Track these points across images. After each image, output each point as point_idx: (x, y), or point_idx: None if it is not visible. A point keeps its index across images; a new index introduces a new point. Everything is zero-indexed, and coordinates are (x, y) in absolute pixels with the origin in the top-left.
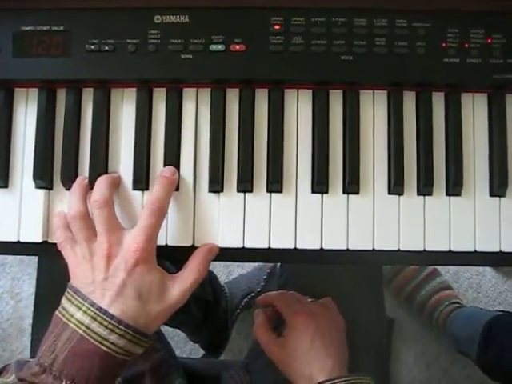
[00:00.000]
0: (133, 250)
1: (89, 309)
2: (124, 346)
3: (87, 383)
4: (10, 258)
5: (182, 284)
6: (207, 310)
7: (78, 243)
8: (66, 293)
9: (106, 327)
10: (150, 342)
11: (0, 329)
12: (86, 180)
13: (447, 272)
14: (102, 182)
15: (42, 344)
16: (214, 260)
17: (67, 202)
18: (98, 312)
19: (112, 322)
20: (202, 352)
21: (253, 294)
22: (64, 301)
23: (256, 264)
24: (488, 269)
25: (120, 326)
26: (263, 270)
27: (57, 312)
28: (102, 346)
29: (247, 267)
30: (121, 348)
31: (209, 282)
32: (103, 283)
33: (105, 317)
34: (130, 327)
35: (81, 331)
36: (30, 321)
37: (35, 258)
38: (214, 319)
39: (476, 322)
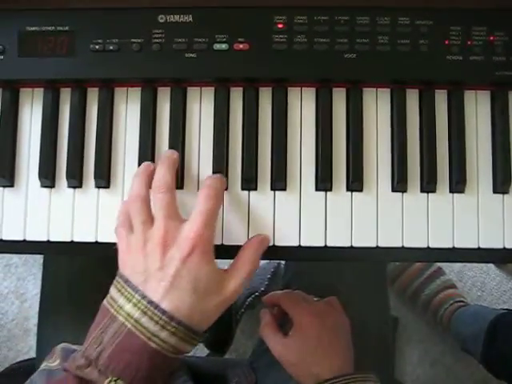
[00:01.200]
0: (189, 237)
1: (139, 301)
2: (175, 344)
3: (134, 380)
4: (15, 258)
5: (237, 277)
6: None
7: (134, 229)
8: (115, 281)
9: (157, 323)
10: (201, 340)
11: (5, 329)
12: (153, 166)
13: (451, 271)
14: (164, 166)
15: (89, 335)
16: (220, 258)
17: (76, 207)
18: (148, 306)
19: (163, 317)
20: (206, 351)
21: (257, 294)
22: (113, 290)
23: (260, 263)
24: (492, 267)
25: (172, 323)
26: (267, 270)
27: (105, 302)
28: (151, 343)
29: None
30: (171, 346)
31: None
32: (157, 273)
33: (156, 311)
34: (182, 324)
35: (129, 325)
36: (35, 321)
37: (40, 259)
38: (218, 318)
39: (480, 320)
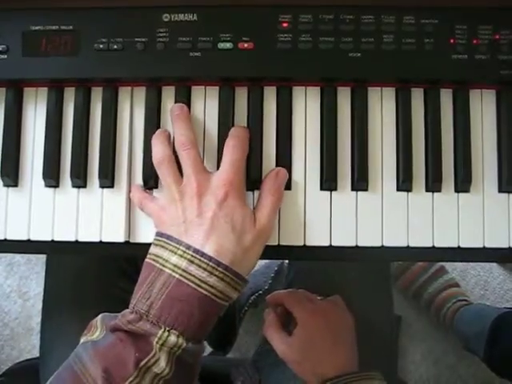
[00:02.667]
0: (222, 184)
1: (185, 252)
2: (223, 289)
3: (187, 329)
4: (18, 257)
5: (264, 210)
6: None
7: (166, 188)
8: (154, 241)
9: (205, 269)
10: (245, 286)
11: (8, 328)
12: (168, 131)
13: (454, 269)
14: (181, 124)
15: (135, 293)
16: None
17: (79, 206)
18: (195, 254)
19: (211, 263)
20: (209, 350)
21: (260, 292)
22: (154, 249)
23: (263, 262)
24: (495, 266)
25: (219, 268)
26: (270, 269)
27: (147, 259)
28: (201, 289)
29: None
30: (220, 291)
31: None
32: (196, 220)
33: (203, 259)
34: (228, 269)
35: (177, 275)
36: (38, 320)
37: (43, 258)
38: (221, 317)
39: (483, 319)
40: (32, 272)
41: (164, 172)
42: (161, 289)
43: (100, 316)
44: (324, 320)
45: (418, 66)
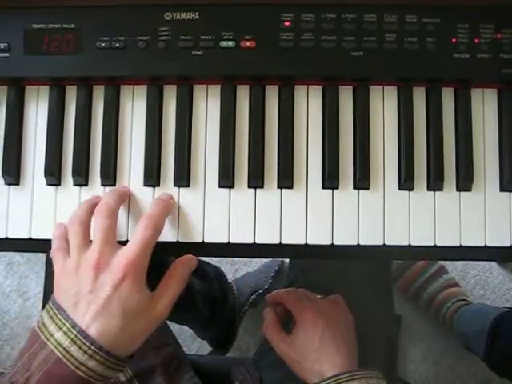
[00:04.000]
0: (123, 264)
1: (69, 330)
2: (102, 372)
3: None
4: (18, 256)
5: (165, 298)
6: (215, 307)
7: (69, 251)
8: (47, 306)
9: (86, 352)
10: (125, 367)
11: (8, 327)
12: (99, 199)
13: (454, 269)
14: (110, 194)
15: (17, 359)
16: (225, 256)
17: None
18: (78, 335)
19: (92, 347)
20: (209, 349)
21: (260, 291)
22: (45, 316)
23: (263, 261)
24: (495, 266)
25: (100, 353)
26: (271, 268)
27: (36, 327)
28: (78, 372)
29: (254, 265)
30: (98, 374)
31: (217, 278)
32: (88, 296)
33: (85, 341)
34: (110, 354)
35: (58, 353)
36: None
37: (42, 257)
38: (221, 316)
39: (483, 318)
40: (32, 272)
41: (72, 233)
42: (40, 364)
43: None
44: (323, 319)
45: (419, 65)
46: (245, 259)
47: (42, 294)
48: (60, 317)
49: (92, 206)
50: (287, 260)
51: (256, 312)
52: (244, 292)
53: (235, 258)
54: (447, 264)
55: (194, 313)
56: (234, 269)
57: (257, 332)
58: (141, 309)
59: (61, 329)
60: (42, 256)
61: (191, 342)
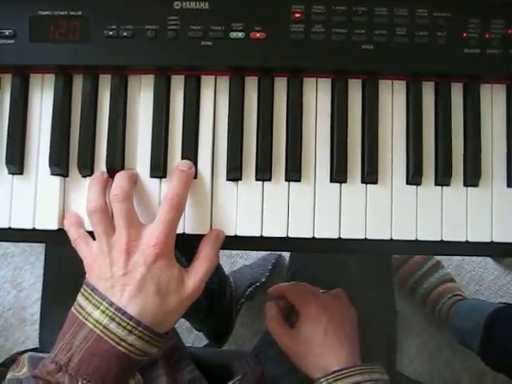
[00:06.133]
0: (152, 244)
1: (107, 308)
2: (141, 347)
3: (103, 383)
4: (12, 247)
5: (196, 275)
6: (213, 299)
7: (97, 238)
8: (82, 290)
9: (125, 328)
10: (164, 343)
11: (2, 318)
12: (106, 175)
13: (450, 265)
14: (121, 176)
15: (58, 341)
16: (232, 248)
17: (86, 195)
18: (116, 312)
19: (131, 322)
20: (205, 342)
21: (257, 284)
22: (80, 298)
23: (260, 255)
24: (490, 261)
25: (139, 328)
26: (268, 261)
27: (73, 309)
28: (119, 347)
29: (251, 259)
30: (138, 349)
31: (215, 271)
32: (122, 278)
33: (123, 317)
34: (148, 329)
35: (98, 331)
36: (32, 310)
37: (37, 248)
38: (219, 308)
39: (478, 314)
40: (26, 262)
41: (95, 222)
42: (81, 342)
43: (27, 355)
44: (327, 313)
45: (429, 60)
46: (241, 252)
47: (36, 285)
48: (96, 296)
49: (104, 188)
50: (284, 253)
51: (253, 305)
52: (241, 285)
53: (232, 251)
54: (443, 259)
55: (192, 305)
56: (230, 262)
57: (253, 325)
58: (174, 286)
59: (98, 308)
60: (36, 246)
61: (187, 335)
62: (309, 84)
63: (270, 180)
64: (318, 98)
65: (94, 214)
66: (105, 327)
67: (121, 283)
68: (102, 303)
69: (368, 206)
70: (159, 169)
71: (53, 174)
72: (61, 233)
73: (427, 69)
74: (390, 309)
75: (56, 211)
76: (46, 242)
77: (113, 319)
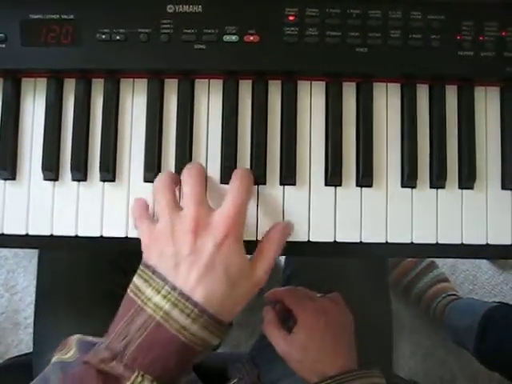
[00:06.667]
0: (223, 222)
1: (169, 293)
2: (204, 337)
3: (162, 375)
4: (5, 251)
5: (263, 262)
6: None
7: (160, 217)
8: (139, 271)
9: (188, 316)
10: (227, 334)
11: None
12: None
13: (444, 264)
14: (196, 162)
15: (113, 326)
16: None
17: (79, 200)
18: (179, 298)
19: (195, 310)
20: None
21: None
22: (138, 280)
23: None
24: (484, 261)
25: (204, 316)
26: None
27: (129, 292)
28: (181, 336)
29: None
30: (201, 339)
31: None
32: (189, 256)
33: (187, 304)
34: (213, 318)
35: (158, 317)
36: (25, 314)
37: (30, 251)
38: None
39: (473, 313)
40: (19, 266)
41: (161, 197)
42: (139, 329)
43: (76, 337)
44: (324, 318)
45: (424, 62)
46: None
47: (29, 289)
48: (157, 279)
49: (174, 176)
50: (281, 256)
51: (248, 307)
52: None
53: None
54: (437, 259)
55: None
56: None
57: (248, 327)
58: (242, 271)
59: (159, 292)
60: (29, 250)
61: None
62: (303, 87)
63: (264, 184)
64: (312, 101)
65: (159, 192)
66: (166, 313)
67: (187, 261)
68: (163, 287)
69: (363, 209)
70: (153, 173)
71: (46, 178)
72: (54, 239)
73: (421, 71)
74: (386, 311)
75: (49, 216)
76: (39, 248)
77: (175, 305)
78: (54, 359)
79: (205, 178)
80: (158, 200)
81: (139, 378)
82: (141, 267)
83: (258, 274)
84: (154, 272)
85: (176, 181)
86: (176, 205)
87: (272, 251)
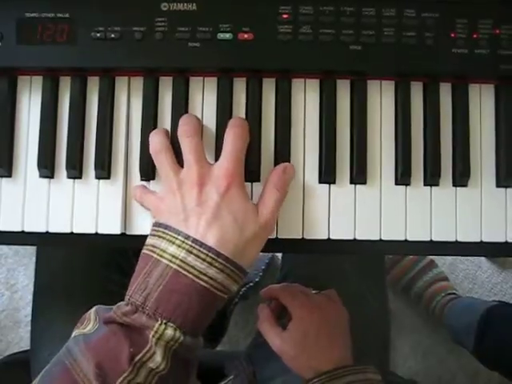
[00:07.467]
0: (224, 174)
1: (183, 242)
2: (222, 281)
3: (184, 322)
4: (6, 248)
5: (268, 204)
6: None
7: (163, 179)
8: (152, 232)
9: (204, 260)
10: (245, 279)
11: None
12: (166, 129)
13: (443, 263)
14: (189, 115)
15: (131, 284)
16: None
17: (75, 197)
18: (194, 244)
19: (210, 254)
20: None
21: (251, 284)
22: (151, 239)
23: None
24: (484, 260)
25: (219, 259)
26: (261, 261)
27: (144, 250)
28: (199, 281)
29: None
30: (219, 283)
31: None
32: (196, 208)
33: (202, 249)
34: (229, 261)
35: (175, 266)
36: (26, 312)
37: (31, 249)
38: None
39: (472, 312)
40: (20, 264)
41: (161, 161)
42: (157, 280)
43: (94, 308)
44: (319, 314)
45: (418, 60)
46: None
47: (30, 287)
48: (170, 232)
49: (167, 133)
50: (278, 254)
51: (246, 305)
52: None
53: None
54: (437, 258)
55: None
56: None
57: (247, 325)
58: (249, 215)
59: (173, 243)
60: (30, 248)
61: None
62: (297, 85)
63: (258, 181)
64: (306, 98)
65: (159, 153)
66: (182, 261)
67: (195, 213)
68: (177, 237)
69: (357, 207)
70: (148, 170)
71: (41, 176)
72: (50, 235)
73: (415, 69)
74: (382, 308)
75: (44, 213)
76: (35, 245)
77: (190, 252)
78: (74, 333)
79: (201, 133)
80: (159, 164)
81: (162, 326)
82: (153, 227)
83: (264, 215)
84: (166, 227)
85: (168, 136)
86: (177, 166)
87: (274, 193)
